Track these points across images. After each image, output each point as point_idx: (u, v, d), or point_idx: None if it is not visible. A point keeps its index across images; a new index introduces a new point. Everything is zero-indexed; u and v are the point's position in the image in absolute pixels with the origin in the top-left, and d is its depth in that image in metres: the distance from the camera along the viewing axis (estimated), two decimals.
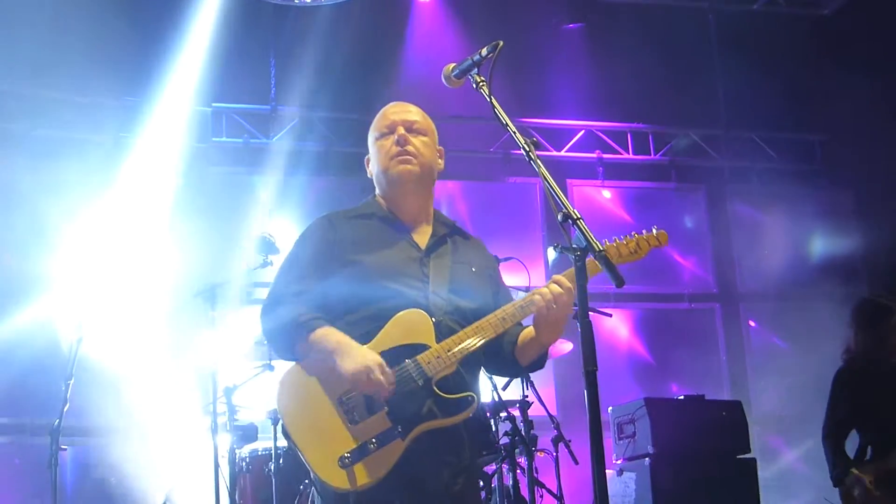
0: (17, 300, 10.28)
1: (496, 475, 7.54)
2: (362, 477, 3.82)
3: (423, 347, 3.94)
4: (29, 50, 10.27)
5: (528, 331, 4.13)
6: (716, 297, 12.82)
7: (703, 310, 12.78)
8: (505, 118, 3.68)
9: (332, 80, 11.49)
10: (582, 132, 12.70)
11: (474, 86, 3.83)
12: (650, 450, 8.44)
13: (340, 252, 4.12)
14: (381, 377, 3.83)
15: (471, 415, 3.95)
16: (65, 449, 7.57)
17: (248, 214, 11.24)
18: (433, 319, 3.99)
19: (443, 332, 3.98)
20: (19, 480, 9.69)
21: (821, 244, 12.87)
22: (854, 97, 11.80)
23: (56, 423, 7.51)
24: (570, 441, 8.02)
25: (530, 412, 7.87)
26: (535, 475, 7.68)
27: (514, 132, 3.62)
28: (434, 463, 3.94)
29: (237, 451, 7.69)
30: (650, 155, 12.87)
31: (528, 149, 3.58)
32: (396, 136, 4.19)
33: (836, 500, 7.37)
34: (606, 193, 12.67)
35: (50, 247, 10.46)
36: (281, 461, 7.48)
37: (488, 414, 7.41)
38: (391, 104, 4.38)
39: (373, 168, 4.31)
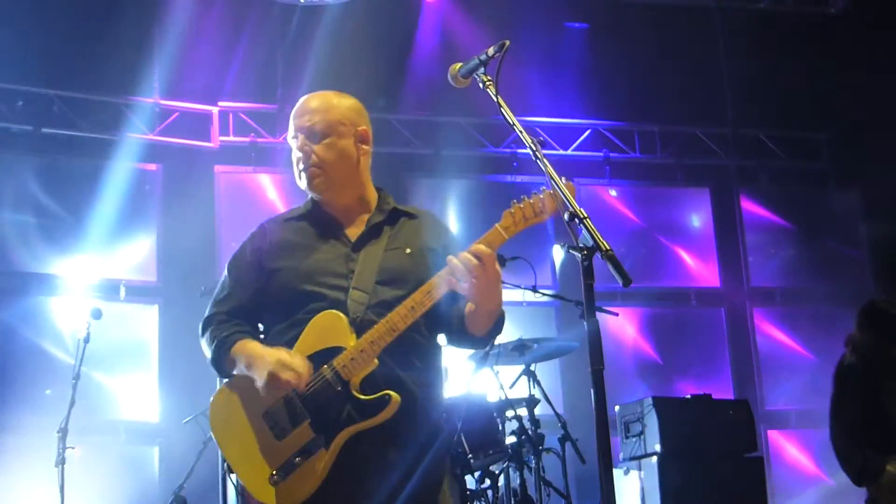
0: (25, 297, 10.31)
1: (503, 474, 7.55)
2: (293, 493, 3.79)
3: (339, 350, 3.85)
4: (37, 49, 10.29)
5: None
6: (722, 296, 12.79)
7: (709, 308, 12.76)
8: (511, 117, 3.67)
9: (340, 79, 11.44)
10: (588, 131, 12.68)
11: (481, 85, 3.81)
12: (657, 449, 8.44)
13: (266, 260, 4.08)
14: (288, 375, 3.78)
15: (393, 413, 3.79)
16: (72, 448, 7.59)
17: (255, 214, 11.26)
18: (349, 318, 3.88)
19: (364, 329, 3.85)
20: (26, 480, 9.70)
21: (827, 243, 12.86)
22: (861, 96, 11.79)
23: (63, 422, 7.53)
24: (576, 440, 8.01)
25: (537, 411, 7.87)
26: (542, 474, 7.69)
27: (521, 131, 3.61)
28: (375, 466, 3.85)
29: None
30: (657, 154, 12.85)
31: (534, 148, 3.57)
32: (297, 149, 4.11)
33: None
34: (613, 192, 12.66)
35: (57, 245, 10.49)
36: None
37: (494, 413, 7.41)
38: (299, 101, 4.21)
39: None
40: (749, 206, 13.08)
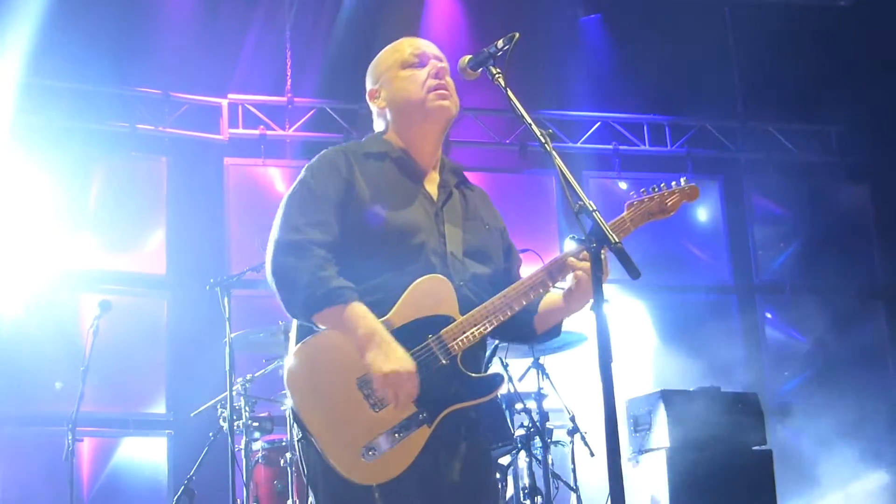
0: (35, 290, 10.32)
1: (512, 466, 7.55)
2: (387, 469, 3.51)
3: (446, 320, 3.64)
4: (45, 41, 10.29)
5: (552, 298, 3.88)
6: (732, 289, 12.77)
7: (719, 301, 12.74)
8: (521, 110, 3.65)
9: (349, 71, 11.48)
10: (598, 124, 12.67)
11: (490, 78, 3.79)
12: (666, 442, 8.43)
13: (358, 199, 3.75)
14: (410, 391, 3.53)
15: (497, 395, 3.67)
16: (80, 440, 7.60)
17: (264, 206, 11.27)
18: (454, 285, 3.69)
19: (462, 301, 3.68)
20: (35, 472, 9.72)
21: (837, 235, 12.83)
22: (871, 88, 11.77)
23: (73, 414, 7.53)
24: (585, 432, 8.02)
25: (546, 404, 7.86)
26: (551, 467, 7.68)
27: (531, 124, 3.59)
28: (452, 448, 3.67)
29: (253, 442, 7.71)
30: (666, 146, 12.83)
31: (544, 140, 3.54)
32: (434, 70, 3.90)
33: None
34: (623, 185, 12.65)
35: (67, 237, 10.50)
36: (297, 453, 7.49)
37: (504, 406, 7.41)
38: (407, 38, 4.05)
39: (392, 99, 3.97)
40: (759, 200, 13.06)
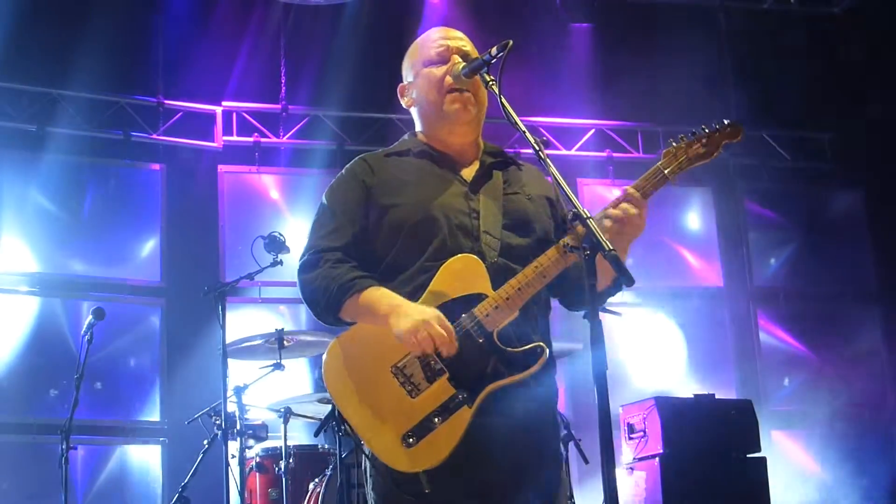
0: (29, 297, 10.30)
1: None
2: (431, 455, 3.46)
3: (479, 298, 3.56)
4: (41, 48, 10.29)
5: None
6: (725, 295, 12.78)
7: (712, 307, 12.73)
8: (515, 117, 3.64)
9: (343, 79, 11.49)
10: (592, 131, 12.67)
11: (484, 85, 3.78)
12: (660, 449, 8.43)
13: (378, 196, 3.78)
14: (441, 329, 3.46)
15: (542, 367, 3.54)
16: (74, 448, 7.58)
17: (258, 214, 11.27)
18: (486, 263, 3.62)
19: (499, 276, 3.60)
20: (29, 480, 9.70)
21: (831, 243, 12.84)
22: (865, 95, 11.79)
23: (67, 421, 7.52)
24: (580, 440, 8.01)
25: None
26: None
27: (524, 131, 3.58)
28: (498, 428, 3.55)
29: (247, 450, 7.70)
30: (660, 154, 12.79)
31: (538, 148, 3.53)
32: (452, 67, 3.85)
33: None
34: (616, 192, 12.63)
35: (61, 245, 10.49)
36: (291, 460, 7.50)
37: None
38: (437, 29, 4.04)
39: (416, 98, 3.99)
40: (752, 206, 13.06)
